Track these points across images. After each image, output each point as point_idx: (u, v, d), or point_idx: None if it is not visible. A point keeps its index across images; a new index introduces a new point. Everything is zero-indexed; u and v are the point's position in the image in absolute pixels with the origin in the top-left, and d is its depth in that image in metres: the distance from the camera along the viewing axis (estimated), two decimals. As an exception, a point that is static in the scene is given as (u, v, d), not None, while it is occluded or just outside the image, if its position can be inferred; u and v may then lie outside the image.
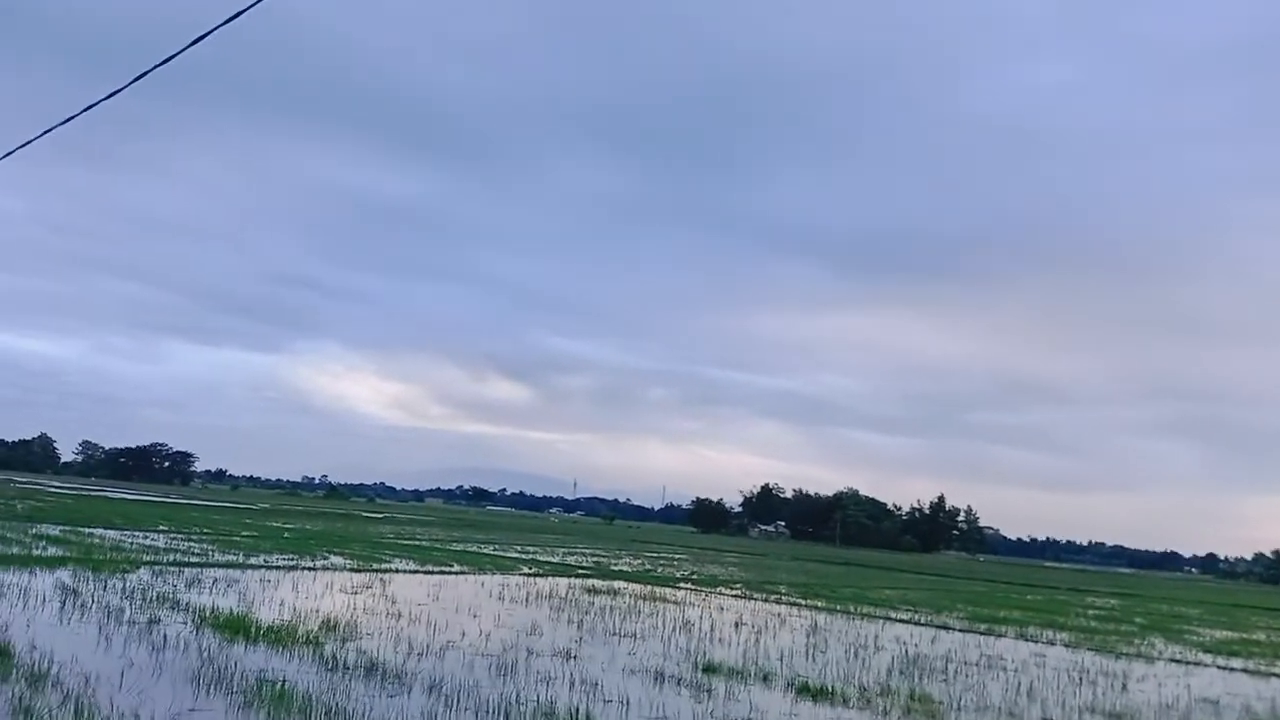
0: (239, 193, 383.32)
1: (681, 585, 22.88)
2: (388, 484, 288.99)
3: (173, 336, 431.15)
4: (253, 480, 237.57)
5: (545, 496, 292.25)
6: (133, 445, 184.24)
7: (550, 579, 21.12)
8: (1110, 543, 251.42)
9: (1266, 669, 15.45)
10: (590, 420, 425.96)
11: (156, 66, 10.39)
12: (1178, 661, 15.46)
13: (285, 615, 11.19)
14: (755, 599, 20.60)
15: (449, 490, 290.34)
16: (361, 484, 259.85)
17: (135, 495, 70.07)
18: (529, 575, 21.72)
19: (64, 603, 10.84)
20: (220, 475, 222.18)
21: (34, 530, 22.05)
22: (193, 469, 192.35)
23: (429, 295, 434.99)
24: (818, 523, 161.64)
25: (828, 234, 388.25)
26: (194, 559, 18.11)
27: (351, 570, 18.90)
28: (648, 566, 30.91)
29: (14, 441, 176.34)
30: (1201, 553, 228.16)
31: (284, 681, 7.32)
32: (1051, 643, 16.47)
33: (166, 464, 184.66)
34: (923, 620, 18.56)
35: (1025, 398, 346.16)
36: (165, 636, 9.11)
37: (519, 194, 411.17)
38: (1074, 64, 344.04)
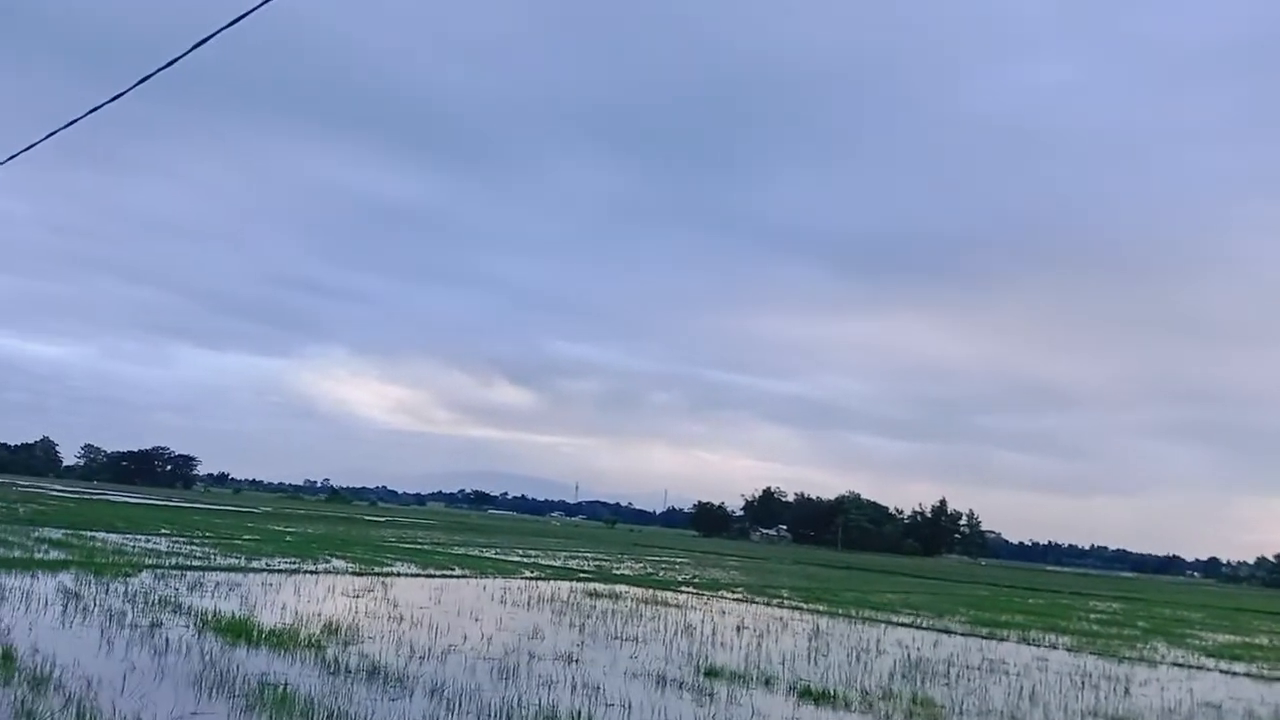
0: (240, 194, 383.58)
1: (683, 589, 22.88)
2: (389, 487, 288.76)
3: (177, 340, 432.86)
4: (255, 483, 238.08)
5: (547, 500, 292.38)
6: (135, 449, 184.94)
7: (552, 582, 21.12)
8: (1112, 546, 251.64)
9: (1269, 673, 15.43)
10: (592, 424, 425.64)
11: (160, 69, 10.39)
12: (1180, 665, 15.44)
13: (287, 619, 11.20)
14: (757, 603, 20.60)
15: (451, 494, 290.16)
16: (363, 487, 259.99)
17: (137, 499, 70.17)
18: (530, 579, 21.73)
19: (66, 606, 10.85)
20: (222, 478, 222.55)
21: (36, 534, 22.06)
22: (195, 472, 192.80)
23: (429, 296, 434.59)
24: (819, 526, 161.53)
25: (828, 234, 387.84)
26: (196, 562, 18.13)
27: (353, 574, 18.91)
28: (649, 570, 30.92)
29: (16, 445, 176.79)
30: (1204, 556, 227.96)
31: (286, 685, 7.33)
32: (1054, 647, 16.46)
33: (169, 467, 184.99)
34: (925, 624, 18.55)
35: (1026, 400, 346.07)
36: (167, 640, 9.11)
37: (519, 194, 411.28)
38: (1074, 64, 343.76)
